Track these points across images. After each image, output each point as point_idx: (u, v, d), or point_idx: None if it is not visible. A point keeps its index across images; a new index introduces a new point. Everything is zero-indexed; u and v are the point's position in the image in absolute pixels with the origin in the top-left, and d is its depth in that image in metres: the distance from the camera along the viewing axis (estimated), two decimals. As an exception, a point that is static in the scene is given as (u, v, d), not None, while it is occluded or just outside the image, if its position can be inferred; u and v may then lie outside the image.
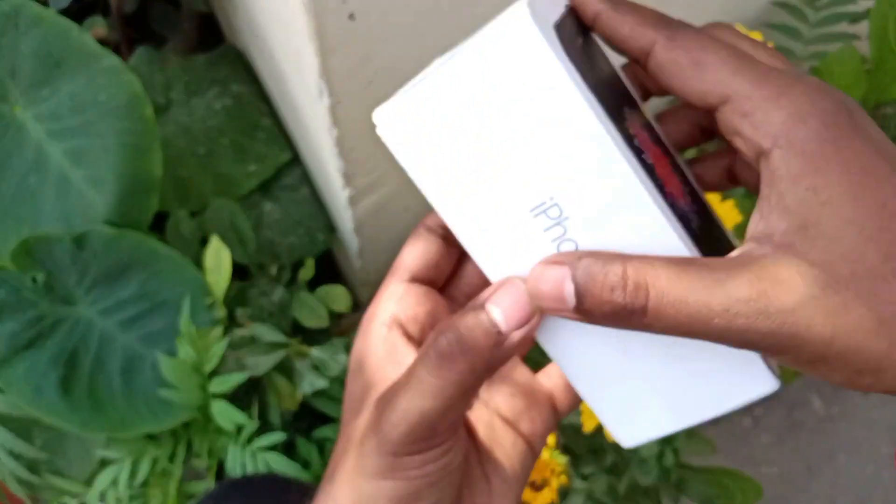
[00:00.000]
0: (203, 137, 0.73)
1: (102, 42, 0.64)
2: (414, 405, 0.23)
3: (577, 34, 0.24)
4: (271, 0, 0.54)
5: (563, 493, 0.60)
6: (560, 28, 0.22)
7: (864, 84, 0.64)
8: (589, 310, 0.22)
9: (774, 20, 0.66)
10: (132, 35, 0.79)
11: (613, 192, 0.22)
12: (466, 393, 0.24)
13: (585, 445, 0.63)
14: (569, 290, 0.22)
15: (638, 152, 0.23)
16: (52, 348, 0.58)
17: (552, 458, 0.56)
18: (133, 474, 0.61)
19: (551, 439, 0.58)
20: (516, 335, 0.24)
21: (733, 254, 0.22)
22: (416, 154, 0.23)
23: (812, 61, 0.66)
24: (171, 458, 0.63)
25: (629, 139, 0.23)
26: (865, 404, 1.03)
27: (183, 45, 0.80)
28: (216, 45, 0.79)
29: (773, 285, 0.21)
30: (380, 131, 0.23)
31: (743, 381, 0.24)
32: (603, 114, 0.22)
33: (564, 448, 0.59)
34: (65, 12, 0.64)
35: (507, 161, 0.22)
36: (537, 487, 0.56)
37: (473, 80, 0.22)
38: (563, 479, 0.57)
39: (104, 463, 0.64)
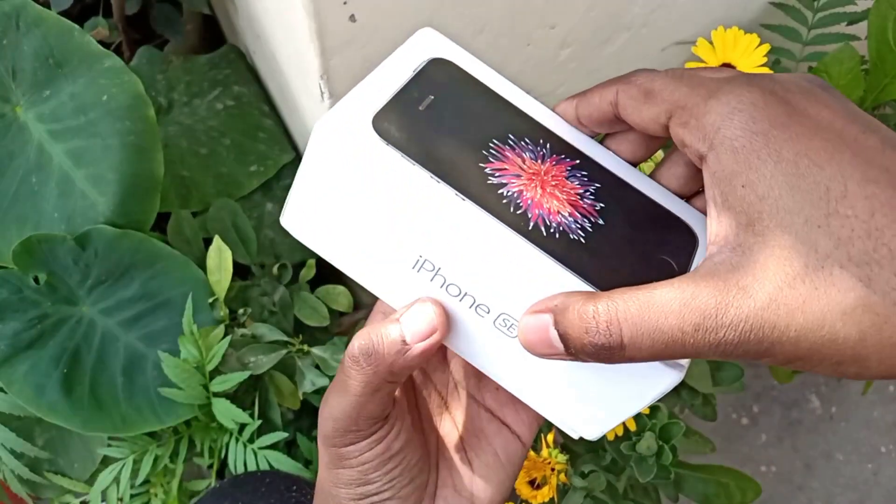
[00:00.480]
0: (204, 138, 0.73)
1: (104, 43, 0.64)
2: (335, 401, 0.27)
3: (424, 95, 0.26)
4: (272, 1, 0.55)
5: (563, 491, 0.60)
6: (387, 110, 0.25)
7: (863, 84, 0.64)
8: (575, 353, 0.23)
9: (772, 21, 0.66)
10: (134, 36, 0.79)
11: (461, 240, 0.24)
12: (375, 391, 0.27)
13: (584, 444, 0.63)
14: (553, 336, 0.23)
15: (493, 189, 0.25)
16: (54, 348, 0.58)
17: (551, 457, 0.57)
18: (135, 473, 0.62)
19: (550, 437, 0.58)
20: (419, 346, 0.26)
21: (700, 266, 0.22)
22: (320, 242, 0.26)
23: (811, 62, 0.66)
24: (173, 457, 0.63)
25: (480, 180, 0.25)
26: (864, 403, 1.04)
27: (184, 46, 0.81)
28: (217, 46, 0.79)
29: (735, 294, 0.20)
30: (292, 234, 0.27)
31: (651, 378, 0.25)
32: (426, 176, 0.24)
33: (563, 446, 0.59)
34: (66, 13, 0.64)
35: (377, 232, 0.25)
36: (537, 485, 0.56)
37: (316, 179, 0.25)
38: (563, 477, 0.57)
39: (106, 461, 0.64)
